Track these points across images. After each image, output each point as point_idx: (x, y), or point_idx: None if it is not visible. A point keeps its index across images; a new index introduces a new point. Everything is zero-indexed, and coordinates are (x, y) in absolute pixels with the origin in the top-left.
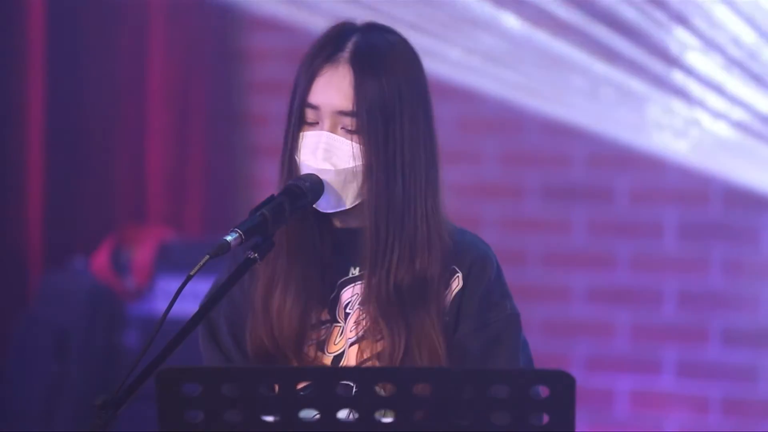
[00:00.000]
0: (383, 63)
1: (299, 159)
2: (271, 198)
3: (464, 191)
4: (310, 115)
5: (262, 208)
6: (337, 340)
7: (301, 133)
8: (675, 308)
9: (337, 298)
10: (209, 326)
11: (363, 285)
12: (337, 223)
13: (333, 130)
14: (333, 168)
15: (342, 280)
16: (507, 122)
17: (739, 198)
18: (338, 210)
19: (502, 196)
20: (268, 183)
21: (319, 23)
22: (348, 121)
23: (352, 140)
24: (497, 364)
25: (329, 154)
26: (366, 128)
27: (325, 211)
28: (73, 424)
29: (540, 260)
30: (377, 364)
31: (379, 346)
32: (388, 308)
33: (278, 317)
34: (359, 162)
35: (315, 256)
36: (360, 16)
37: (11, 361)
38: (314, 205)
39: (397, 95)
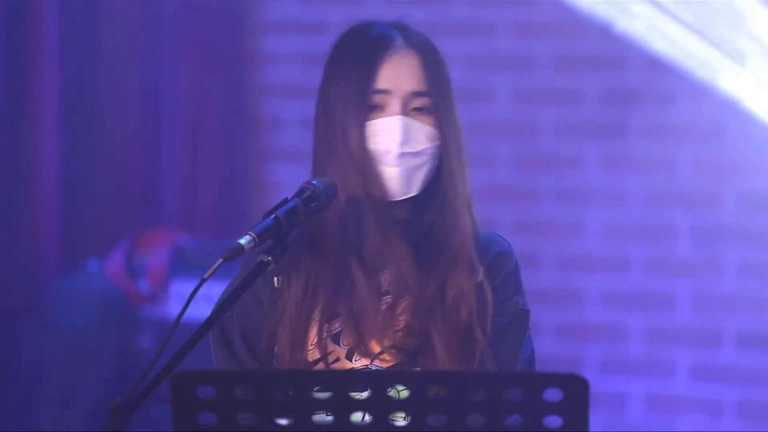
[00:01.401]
0: (436, 49)
1: (374, 146)
2: (285, 201)
3: (478, 194)
4: (378, 99)
5: (275, 211)
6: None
7: (370, 121)
8: (689, 311)
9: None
10: (221, 331)
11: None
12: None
13: (406, 112)
14: (412, 150)
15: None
16: (520, 125)
17: (752, 201)
18: (406, 197)
19: (516, 199)
20: (281, 186)
21: (332, 27)
22: (419, 102)
23: (423, 122)
24: (499, 354)
25: (407, 137)
26: (440, 106)
27: (393, 199)
28: (87, 427)
29: (554, 263)
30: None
31: (399, 336)
32: (431, 313)
33: (291, 312)
34: (434, 143)
35: (335, 246)
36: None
37: (25, 364)
38: (381, 195)
39: (449, 82)
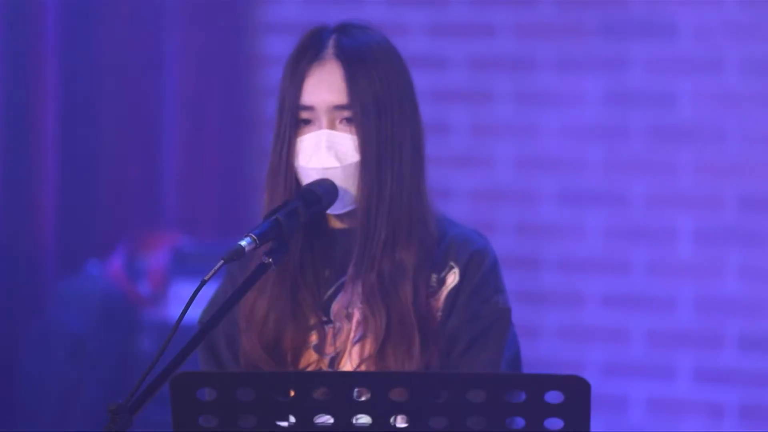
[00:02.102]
0: (368, 55)
1: (300, 163)
2: (286, 203)
3: (479, 196)
4: (304, 116)
5: (276, 213)
6: (333, 341)
7: (298, 138)
8: (691, 313)
9: (334, 297)
10: (207, 341)
11: (349, 276)
12: (336, 225)
13: (331, 127)
14: (339, 164)
15: (342, 280)
16: (521, 126)
17: (754, 202)
18: (349, 209)
19: (517, 201)
20: None
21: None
22: (344, 114)
23: (351, 133)
24: (482, 356)
25: (334, 150)
26: (361, 119)
27: (334, 213)
28: (88, 428)
29: (555, 265)
30: (370, 363)
31: (372, 345)
32: (372, 296)
33: (266, 325)
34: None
35: (307, 259)
36: (373, 23)
37: (26, 366)
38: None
39: (385, 85)
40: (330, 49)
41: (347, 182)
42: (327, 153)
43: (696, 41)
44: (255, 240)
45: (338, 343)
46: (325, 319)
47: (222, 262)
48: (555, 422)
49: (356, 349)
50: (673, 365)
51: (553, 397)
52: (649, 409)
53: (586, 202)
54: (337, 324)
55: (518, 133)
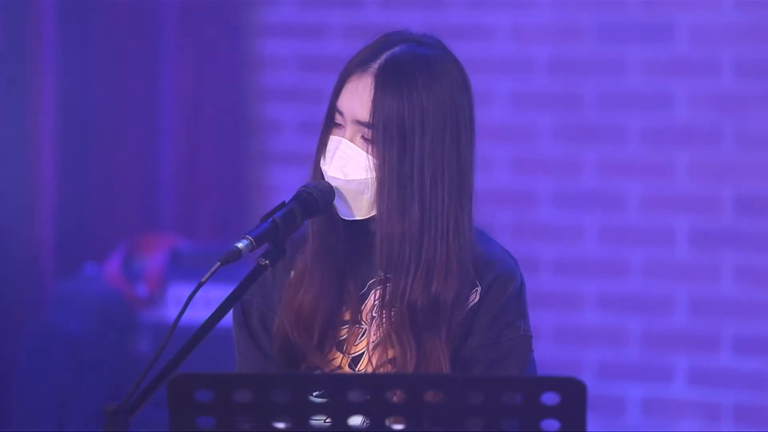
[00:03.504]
0: (407, 79)
1: (323, 164)
2: (282, 204)
3: (476, 197)
4: (338, 118)
5: (273, 214)
6: (357, 341)
7: (330, 135)
8: (687, 315)
9: (366, 297)
10: (243, 310)
11: (379, 294)
12: (369, 227)
13: (353, 138)
14: (343, 177)
15: (372, 281)
16: (518, 128)
17: (750, 205)
18: (352, 219)
19: (514, 203)
20: (279, 190)
21: (331, 31)
22: (366, 131)
23: (368, 152)
24: None
25: (342, 162)
26: (380, 141)
27: (343, 218)
28: (86, 430)
29: (552, 267)
30: (391, 368)
31: (392, 353)
32: (401, 325)
33: (302, 311)
34: (372, 174)
35: (343, 255)
36: (371, 25)
37: (24, 368)
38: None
39: (419, 113)
40: (377, 63)
41: (352, 196)
42: (335, 163)
43: (692, 44)
44: (251, 242)
45: (362, 344)
46: (356, 317)
47: (219, 264)
48: (551, 424)
49: (377, 352)
50: (669, 367)
51: (550, 398)
52: (645, 410)
53: (582, 203)
54: (364, 326)
55: (515, 135)
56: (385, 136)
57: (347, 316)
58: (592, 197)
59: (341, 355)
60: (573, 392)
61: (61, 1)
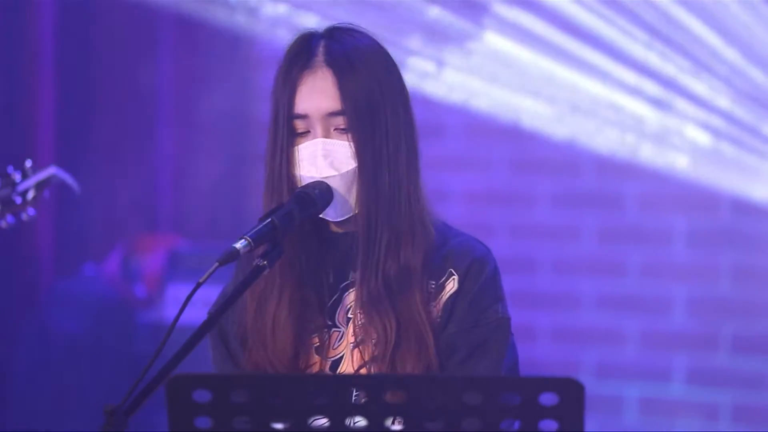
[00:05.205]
0: (357, 58)
1: (299, 173)
2: (281, 205)
3: (474, 199)
4: (299, 126)
5: (271, 215)
6: (336, 344)
7: (295, 147)
8: (684, 316)
9: (339, 301)
10: (219, 331)
11: (356, 281)
12: (335, 229)
13: (326, 134)
14: (337, 172)
15: (344, 284)
16: (517, 129)
17: (747, 205)
18: (347, 217)
19: (513, 204)
20: None
21: None
22: (339, 121)
23: (347, 140)
24: (481, 365)
25: (330, 159)
26: (356, 124)
27: (333, 220)
28: (84, 430)
29: (550, 268)
30: (375, 367)
31: (376, 349)
32: (378, 300)
33: (272, 330)
34: (356, 161)
35: (310, 264)
36: (370, 20)
37: (23, 367)
38: (322, 215)
39: (377, 88)
40: (320, 56)
41: (346, 190)
42: (324, 162)
43: (690, 46)
44: (250, 242)
45: (340, 347)
46: (329, 323)
47: (217, 264)
48: (549, 424)
49: (356, 353)
50: (667, 367)
51: (548, 399)
52: (643, 410)
53: (580, 204)
54: (342, 329)
55: (513, 135)
56: (358, 116)
57: (322, 321)
58: (590, 198)
59: (320, 359)
60: (571, 393)
61: (61, 1)
